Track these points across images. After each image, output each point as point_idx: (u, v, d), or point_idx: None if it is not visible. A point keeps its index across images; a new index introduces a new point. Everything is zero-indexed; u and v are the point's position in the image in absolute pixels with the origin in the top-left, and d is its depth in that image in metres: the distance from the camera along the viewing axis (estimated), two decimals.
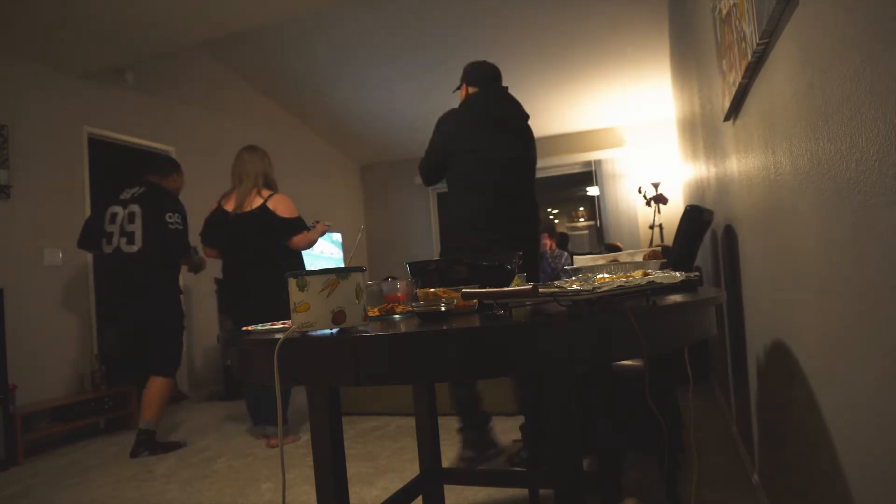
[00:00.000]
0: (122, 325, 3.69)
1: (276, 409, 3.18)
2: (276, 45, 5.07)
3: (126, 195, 3.40)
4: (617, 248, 5.43)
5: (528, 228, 2.45)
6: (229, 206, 3.21)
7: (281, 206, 3.18)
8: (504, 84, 2.57)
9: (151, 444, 3.22)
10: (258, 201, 3.16)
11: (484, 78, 2.55)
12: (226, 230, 3.20)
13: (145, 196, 3.37)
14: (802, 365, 1.19)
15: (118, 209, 3.36)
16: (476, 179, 2.40)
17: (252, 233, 3.15)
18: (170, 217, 3.33)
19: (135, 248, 3.27)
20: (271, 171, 3.32)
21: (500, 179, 2.40)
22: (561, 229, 8.50)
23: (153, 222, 3.30)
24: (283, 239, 3.19)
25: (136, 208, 3.31)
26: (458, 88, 2.64)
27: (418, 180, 6.62)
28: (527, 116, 2.54)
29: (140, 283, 3.27)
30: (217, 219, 3.25)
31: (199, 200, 5.02)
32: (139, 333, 3.43)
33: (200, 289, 4.96)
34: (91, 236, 3.40)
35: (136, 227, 3.29)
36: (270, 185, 3.27)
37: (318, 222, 3.36)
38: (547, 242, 5.17)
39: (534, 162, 2.55)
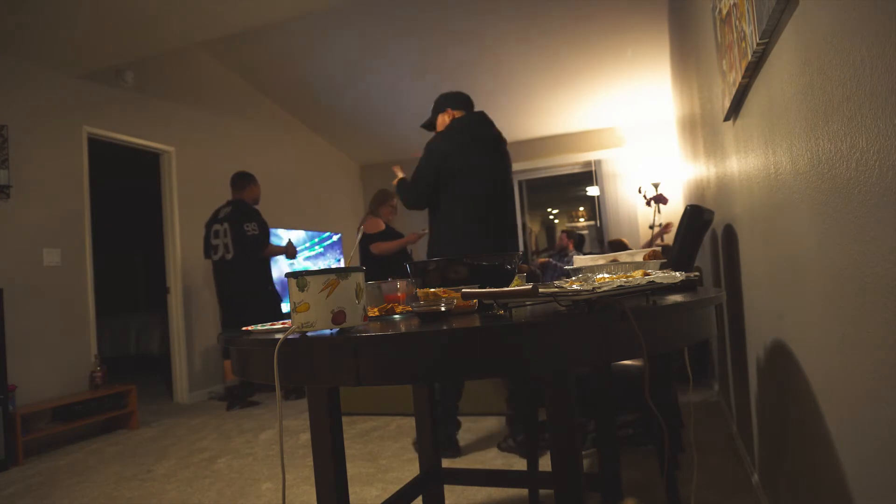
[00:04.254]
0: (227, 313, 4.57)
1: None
2: (277, 45, 5.07)
3: (223, 214, 4.42)
4: (623, 245, 5.37)
5: (514, 239, 2.80)
6: None
7: (370, 226, 4.16)
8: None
9: (242, 399, 4.37)
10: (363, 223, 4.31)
11: (467, 103, 2.83)
12: None
13: (234, 214, 4.37)
14: (802, 365, 1.19)
15: (218, 226, 4.40)
16: (473, 195, 2.65)
17: (361, 244, 4.21)
18: (247, 227, 4.31)
19: (230, 257, 4.32)
20: (377, 205, 4.33)
21: (492, 195, 2.68)
22: (561, 229, 8.50)
23: (242, 234, 4.32)
24: (370, 249, 4.15)
25: (226, 225, 4.37)
26: (438, 115, 2.82)
27: None
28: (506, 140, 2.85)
29: (233, 282, 4.37)
30: None
31: (199, 200, 5.03)
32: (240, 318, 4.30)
33: (201, 290, 4.97)
34: (207, 250, 4.51)
35: (229, 240, 4.34)
36: (376, 213, 4.31)
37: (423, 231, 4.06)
38: (568, 243, 5.43)
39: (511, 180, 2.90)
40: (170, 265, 4.80)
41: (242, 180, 4.50)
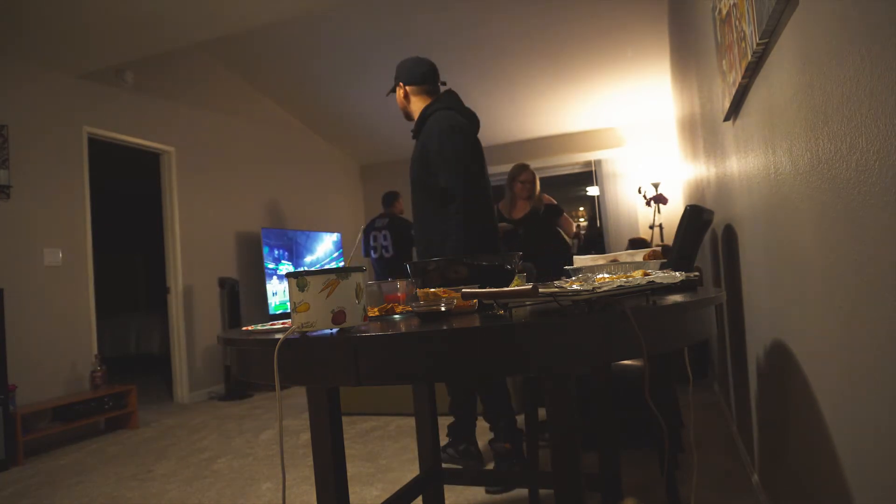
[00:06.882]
0: None
1: None
2: (277, 45, 5.07)
3: (380, 223, 5.38)
4: (644, 243, 5.25)
5: None
6: None
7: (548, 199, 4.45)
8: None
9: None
10: None
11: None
12: None
13: (392, 224, 5.35)
14: (802, 365, 1.19)
15: (377, 233, 5.35)
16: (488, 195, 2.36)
17: (545, 223, 4.44)
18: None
19: (389, 255, 5.26)
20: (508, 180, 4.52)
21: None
22: None
23: (400, 239, 5.30)
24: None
25: (387, 233, 5.30)
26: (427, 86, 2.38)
27: None
28: None
29: (391, 273, 5.26)
30: None
31: (198, 200, 5.03)
32: None
33: (201, 288, 4.97)
34: (367, 249, 5.44)
35: (389, 243, 5.29)
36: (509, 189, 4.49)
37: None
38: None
39: None
40: (170, 265, 4.80)
41: (392, 197, 5.56)
